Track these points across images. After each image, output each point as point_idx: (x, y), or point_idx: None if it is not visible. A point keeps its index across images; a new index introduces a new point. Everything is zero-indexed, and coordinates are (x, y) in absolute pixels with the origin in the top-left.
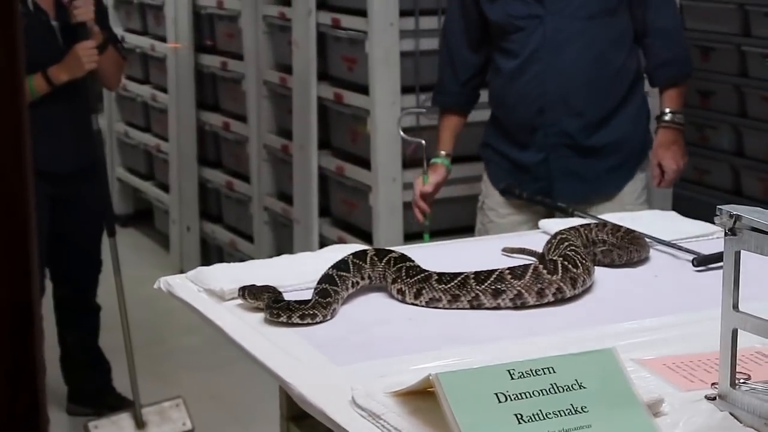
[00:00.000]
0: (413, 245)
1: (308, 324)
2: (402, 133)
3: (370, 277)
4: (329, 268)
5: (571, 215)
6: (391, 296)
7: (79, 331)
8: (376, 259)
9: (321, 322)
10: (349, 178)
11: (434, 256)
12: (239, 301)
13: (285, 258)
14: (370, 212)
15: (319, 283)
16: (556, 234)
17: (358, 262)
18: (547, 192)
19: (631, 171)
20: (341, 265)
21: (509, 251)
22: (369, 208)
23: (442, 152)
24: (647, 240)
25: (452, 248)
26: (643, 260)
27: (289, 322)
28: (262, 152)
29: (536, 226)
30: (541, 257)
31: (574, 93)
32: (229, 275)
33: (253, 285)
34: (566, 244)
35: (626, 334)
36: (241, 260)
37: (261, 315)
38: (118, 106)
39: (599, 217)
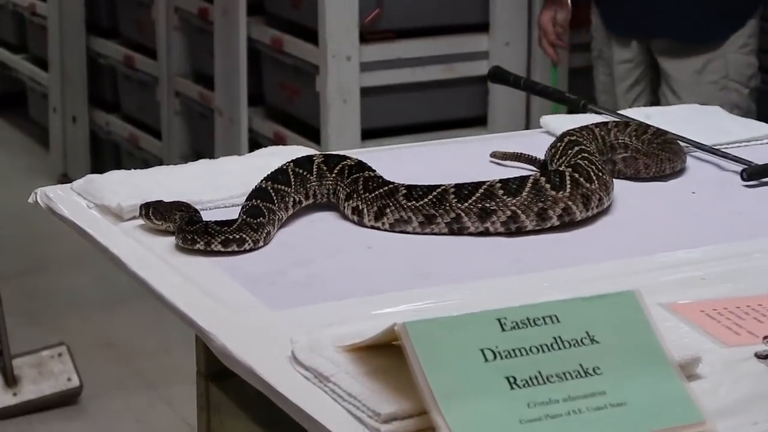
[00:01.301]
0: (375, 148)
1: (233, 252)
2: None
3: (316, 194)
4: (262, 180)
5: (583, 110)
6: (345, 217)
7: None
8: (324, 167)
9: (251, 250)
10: (290, 55)
11: (402, 163)
12: (141, 221)
13: (203, 164)
14: (317, 101)
15: (248, 199)
16: (564, 135)
17: (300, 172)
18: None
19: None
20: (278, 176)
21: (499, 157)
22: (315, 96)
23: None
24: (683, 145)
25: (426, 152)
26: (677, 172)
27: (208, 249)
28: (172, 17)
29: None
30: (542, 166)
31: None
32: (130, 186)
33: (160, 201)
34: (577, 149)
35: (653, 271)
36: (146, 164)
37: (171, 240)
38: None
39: (620, 113)
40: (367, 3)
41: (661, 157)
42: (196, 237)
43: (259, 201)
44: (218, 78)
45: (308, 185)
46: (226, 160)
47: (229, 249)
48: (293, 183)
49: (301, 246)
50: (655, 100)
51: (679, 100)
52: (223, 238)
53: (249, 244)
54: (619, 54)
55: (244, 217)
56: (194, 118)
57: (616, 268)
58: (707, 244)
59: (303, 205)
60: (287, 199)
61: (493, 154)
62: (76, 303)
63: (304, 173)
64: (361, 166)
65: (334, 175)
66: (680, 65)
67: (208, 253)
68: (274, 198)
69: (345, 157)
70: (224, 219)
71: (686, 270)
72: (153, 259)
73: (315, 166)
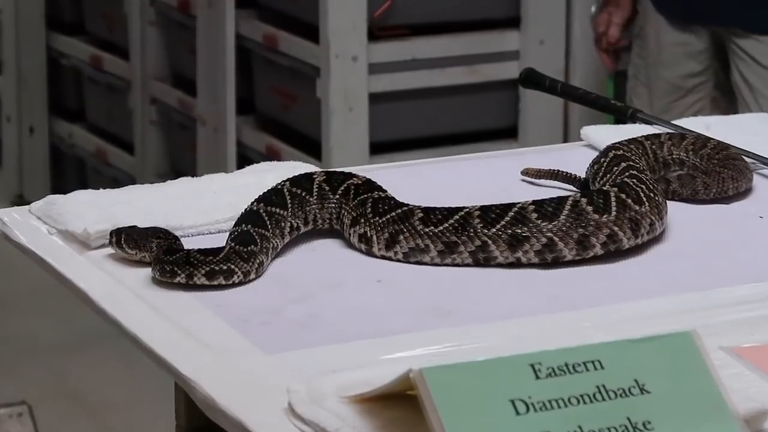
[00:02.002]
0: (386, 165)
1: (220, 286)
2: None
3: (316, 218)
4: (254, 202)
5: (632, 119)
6: (351, 245)
7: None
8: (326, 187)
9: (240, 283)
10: (286, 55)
11: (418, 182)
12: (111, 250)
13: (184, 182)
14: (318, 109)
15: (237, 224)
16: (608, 149)
17: (298, 192)
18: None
19: None
20: (272, 198)
21: (532, 174)
22: (316, 103)
23: None
24: (748, 161)
25: (446, 169)
26: (741, 193)
27: (191, 282)
28: (147, 11)
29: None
30: (583, 186)
31: None
32: (97, 208)
33: (134, 227)
34: (623, 165)
35: (713, 309)
36: (116, 182)
37: (146, 272)
38: None
39: (676, 123)
40: None
41: (723, 175)
42: (176, 268)
43: (250, 226)
44: (201, 82)
45: (307, 208)
46: (210, 179)
47: (215, 282)
48: (290, 205)
49: (299, 279)
50: (718, 96)
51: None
52: (207, 269)
53: (238, 277)
54: (673, 36)
55: (233, 244)
56: (173, 128)
57: (670, 305)
58: None
59: (301, 231)
60: (283, 224)
61: (525, 172)
62: (35, 346)
63: (303, 194)
64: (369, 185)
65: (337, 196)
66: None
67: (190, 287)
68: (268, 223)
69: (351, 175)
70: (209, 247)
71: (752, 308)
72: (125, 294)
73: (315, 186)
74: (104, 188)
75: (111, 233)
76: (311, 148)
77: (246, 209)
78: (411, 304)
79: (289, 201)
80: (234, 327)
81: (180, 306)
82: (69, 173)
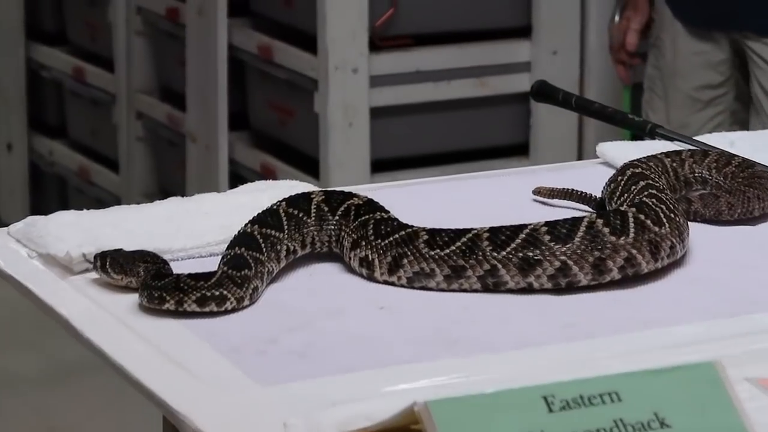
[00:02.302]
0: (388, 184)
1: (212, 314)
2: None
3: (314, 241)
4: (248, 224)
5: (650, 135)
6: (351, 270)
7: None
8: (325, 207)
9: (233, 310)
10: (281, 66)
11: (422, 202)
12: (96, 275)
13: (172, 202)
14: (316, 124)
15: (229, 247)
16: (626, 167)
17: (295, 213)
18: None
19: None
20: (268, 219)
21: (545, 194)
22: (314, 117)
23: None
24: None
25: (453, 188)
26: None
27: (180, 309)
28: (133, 20)
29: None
30: (600, 206)
31: None
32: (81, 231)
33: (120, 251)
34: (642, 184)
35: (737, 338)
36: (100, 202)
37: (133, 299)
38: None
39: (697, 139)
40: (379, 2)
41: (748, 194)
42: (164, 294)
43: (243, 249)
44: (191, 95)
45: (305, 230)
46: (201, 199)
47: (207, 309)
48: (286, 227)
49: (296, 305)
50: (738, 109)
51: None
52: (198, 295)
53: (231, 303)
54: (691, 45)
55: (225, 269)
56: (161, 145)
57: (692, 334)
58: None
59: (298, 255)
60: (279, 247)
61: (537, 191)
62: (14, 380)
63: (300, 215)
64: (371, 206)
65: (337, 217)
66: None
67: (180, 314)
68: (263, 246)
69: (351, 195)
70: (200, 272)
71: None
72: (110, 321)
73: (314, 206)
74: (87, 209)
75: (95, 257)
76: (309, 166)
77: (239, 231)
78: (415, 332)
79: (285, 223)
80: (226, 357)
81: (169, 334)
82: (50, 193)
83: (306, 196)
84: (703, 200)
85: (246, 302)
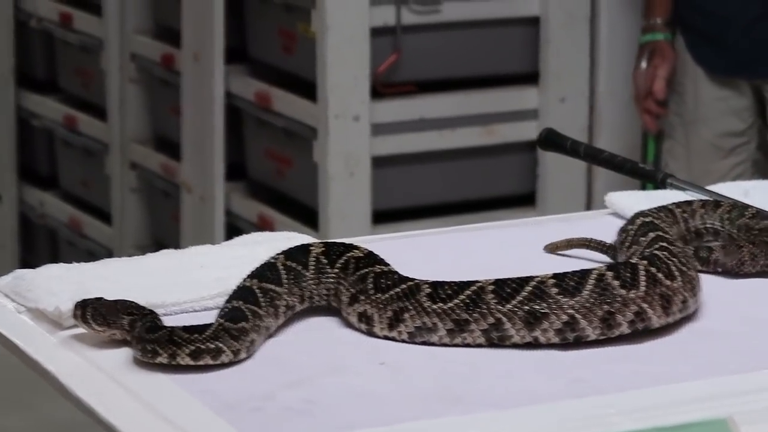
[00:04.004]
0: (390, 235)
1: (206, 368)
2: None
3: (313, 296)
4: (246, 278)
5: (662, 185)
6: (350, 325)
7: None
8: (324, 260)
9: (231, 363)
10: (280, 114)
11: (425, 254)
12: (87, 332)
13: (166, 255)
14: (315, 174)
15: (228, 301)
16: (636, 216)
17: (294, 267)
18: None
19: None
20: (267, 273)
21: (560, 248)
22: (313, 167)
23: (659, 20)
24: None
25: (457, 240)
26: None
27: (173, 363)
28: (127, 67)
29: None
30: (610, 252)
31: None
32: (71, 284)
33: (101, 300)
34: (653, 236)
35: (753, 394)
36: (91, 255)
37: (126, 353)
38: None
39: (710, 189)
40: (381, 47)
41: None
42: (157, 347)
43: (241, 303)
44: (186, 145)
45: (304, 284)
46: (196, 251)
47: (201, 362)
48: (285, 282)
49: (294, 361)
50: (760, 159)
51: None
52: (192, 348)
53: (227, 356)
54: (713, 91)
55: (222, 321)
56: (155, 196)
57: (704, 390)
58: None
59: (296, 310)
60: (278, 302)
61: (550, 248)
62: None
63: (299, 268)
64: (371, 258)
65: (336, 270)
66: None
67: (173, 370)
68: (262, 301)
69: (352, 247)
70: (195, 324)
71: None
72: (101, 378)
73: (312, 259)
74: (78, 262)
75: (75, 306)
76: (308, 217)
77: (238, 285)
78: (417, 388)
79: (284, 277)
80: (220, 415)
81: (162, 392)
82: (40, 245)
83: (305, 249)
84: (725, 250)
85: (243, 355)
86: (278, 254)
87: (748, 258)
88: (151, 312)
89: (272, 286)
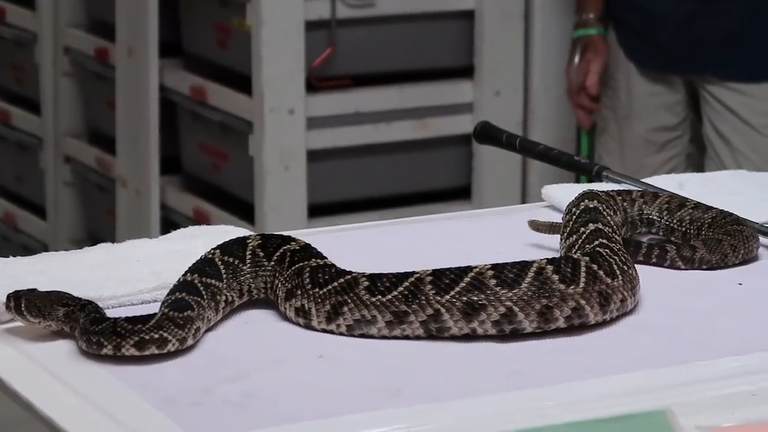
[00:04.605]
0: (326, 228)
1: (152, 357)
2: None
3: (251, 289)
4: (187, 272)
5: (597, 178)
6: (288, 319)
7: None
8: (261, 253)
9: (177, 352)
10: (215, 108)
11: (361, 247)
12: (22, 324)
13: (102, 249)
14: (251, 168)
15: (170, 293)
16: (582, 198)
17: (231, 261)
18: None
19: None
20: (206, 268)
21: (538, 228)
22: (248, 161)
23: (591, 15)
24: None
25: (392, 234)
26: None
27: (119, 354)
28: (61, 60)
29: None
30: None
31: None
32: (6, 278)
33: (34, 291)
34: (593, 227)
35: (690, 385)
36: (26, 250)
37: (64, 347)
38: None
39: (645, 181)
40: (316, 41)
41: (745, 234)
42: (102, 339)
43: (185, 294)
44: (121, 138)
45: (241, 278)
46: (133, 245)
47: (147, 352)
48: (224, 276)
49: (232, 355)
50: (694, 152)
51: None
52: (137, 338)
53: (173, 345)
54: (646, 86)
55: (166, 310)
56: (90, 190)
57: (642, 381)
58: (760, 350)
59: (236, 305)
60: (218, 297)
61: (534, 225)
62: None
63: (236, 262)
64: (308, 251)
65: (273, 263)
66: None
67: (113, 362)
68: (204, 294)
69: (288, 239)
70: (139, 315)
71: (732, 384)
72: (39, 373)
73: (249, 252)
74: (14, 256)
75: (8, 297)
76: (244, 210)
77: (179, 280)
78: (356, 381)
79: (223, 271)
80: (160, 409)
81: (101, 386)
82: None
83: (242, 241)
84: (707, 246)
85: (189, 342)
86: (215, 248)
87: (730, 250)
88: (89, 302)
89: (212, 281)
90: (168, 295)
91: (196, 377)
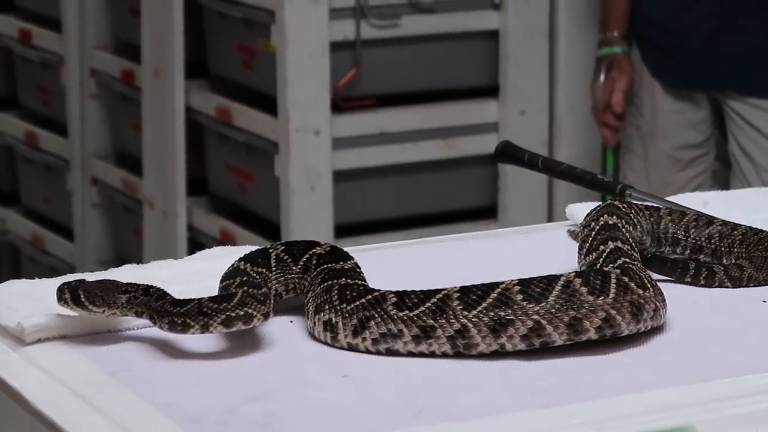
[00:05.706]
0: (352, 248)
1: (178, 373)
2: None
3: (295, 287)
4: (239, 261)
5: (620, 196)
6: (314, 337)
7: None
8: (288, 258)
9: (262, 322)
10: (241, 129)
11: (387, 267)
12: (49, 344)
13: (129, 270)
14: (277, 188)
15: (226, 279)
16: (600, 212)
17: (284, 257)
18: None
19: None
20: (258, 259)
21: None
22: (274, 182)
23: (615, 33)
24: None
25: (418, 253)
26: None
27: (207, 332)
28: (87, 82)
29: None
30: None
31: None
32: (34, 300)
33: (83, 281)
34: (613, 246)
35: (714, 403)
36: (54, 271)
37: (90, 369)
38: None
39: (669, 200)
40: (341, 62)
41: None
42: (188, 320)
43: (245, 277)
44: (148, 160)
45: (290, 276)
46: (158, 266)
47: (234, 329)
48: (274, 268)
49: (255, 374)
50: (719, 170)
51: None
52: (224, 317)
53: (258, 320)
54: (671, 104)
55: (245, 288)
56: (116, 211)
57: (666, 399)
58: None
59: (283, 298)
60: (269, 285)
61: (573, 234)
62: None
63: (288, 259)
64: (334, 254)
65: (298, 267)
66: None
67: (138, 383)
68: (259, 278)
69: (314, 244)
70: (218, 295)
71: (756, 401)
72: (65, 394)
73: (274, 258)
74: (41, 278)
75: (62, 290)
76: (270, 231)
77: (230, 268)
78: (380, 401)
79: (273, 263)
80: (184, 429)
81: (126, 406)
82: (2, 262)
83: (264, 252)
84: (754, 264)
85: (270, 317)
86: (238, 260)
87: (737, 272)
88: (150, 285)
89: (264, 270)
90: (224, 281)
91: (220, 396)
